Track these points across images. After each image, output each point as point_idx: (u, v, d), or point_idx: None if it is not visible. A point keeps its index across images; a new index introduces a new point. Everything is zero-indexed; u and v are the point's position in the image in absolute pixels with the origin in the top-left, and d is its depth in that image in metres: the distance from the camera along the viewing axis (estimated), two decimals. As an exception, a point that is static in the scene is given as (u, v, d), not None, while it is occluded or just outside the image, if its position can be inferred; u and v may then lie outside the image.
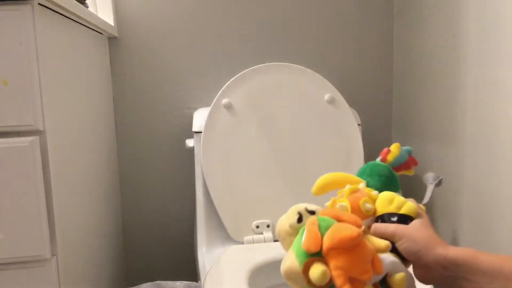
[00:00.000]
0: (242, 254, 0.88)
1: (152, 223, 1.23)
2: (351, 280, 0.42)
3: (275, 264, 0.86)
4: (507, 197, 0.80)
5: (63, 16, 0.78)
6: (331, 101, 1.03)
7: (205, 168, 0.98)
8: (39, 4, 0.65)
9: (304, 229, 0.46)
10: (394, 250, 0.48)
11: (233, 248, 0.92)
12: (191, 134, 1.11)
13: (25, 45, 0.63)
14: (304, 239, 0.45)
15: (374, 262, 0.44)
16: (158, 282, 1.12)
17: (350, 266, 0.42)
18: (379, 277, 0.45)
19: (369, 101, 1.25)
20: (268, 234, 0.97)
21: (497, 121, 0.81)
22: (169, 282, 1.11)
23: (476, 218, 0.89)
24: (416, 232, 0.48)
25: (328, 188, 0.58)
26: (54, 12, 0.73)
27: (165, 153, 1.21)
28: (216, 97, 1.00)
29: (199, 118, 1.06)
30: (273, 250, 0.89)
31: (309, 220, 0.47)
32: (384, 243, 0.47)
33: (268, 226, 0.98)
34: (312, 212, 0.50)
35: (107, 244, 1.05)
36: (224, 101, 0.99)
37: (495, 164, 0.82)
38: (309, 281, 0.43)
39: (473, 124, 0.89)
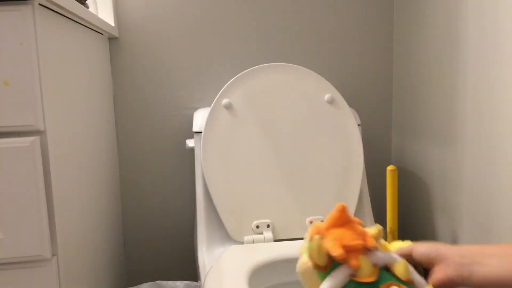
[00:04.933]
0: (242, 254, 0.89)
1: (152, 223, 1.23)
2: (345, 250, 0.45)
3: (275, 264, 0.86)
4: (506, 197, 0.80)
5: (63, 17, 0.78)
6: (331, 101, 1.03)
7: (205, 168, 0.98)
8: (39, 4, 0.65)
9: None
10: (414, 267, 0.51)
11: (233, 248, 0.92)
12: (191, 134, 1.11)
13: (25, 45, 0.63)
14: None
15: (366, 236, 0.48)
16: (158, 282, 1.12)
17: (342, 236, 0.46)
18: (377, 258, 0.48)
19: (369, 101, 1.26)
20: (268, 234, 0.97)
21: (496, 121, 0.81)
22: (169, 282, 1.12)
23: (476, 218, 0.89)
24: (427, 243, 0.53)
25: None
26: (54, 13, 0.73)
27: (165, 153, 1.21)
28: (216, 97, 1.00)
29: (199, 119, 1.06)
30: (273, 250, 0.89)
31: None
32: (375, 227, 0.50)
33: (268, 226, 0.99)
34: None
35: (107, 244, 1.05)
36: (224, 101, 0.99)
37: (495, 164, 0.82)
38: (314, 264, 0.47)
39: (472, 124, 0.89)
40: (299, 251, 0.52)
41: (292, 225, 1.00)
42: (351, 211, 1.01)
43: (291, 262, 0.87)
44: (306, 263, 0.48)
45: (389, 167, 1.02)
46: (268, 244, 0.95)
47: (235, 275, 0.80)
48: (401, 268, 0.48)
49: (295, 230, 1.00)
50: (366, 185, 1.08)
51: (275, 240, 0.98)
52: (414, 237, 1.12)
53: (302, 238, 1.00)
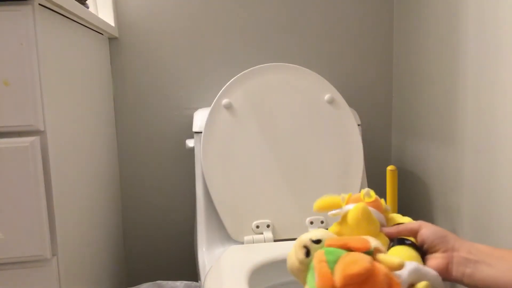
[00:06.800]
0: (242, 254, 0.89)
1: (152, 223, 1.24)
2: None
3: (275, 264, 0.86)
4: (506, 197, 0.80)
5: (63, 17, 0.78)
6: (331, 101, 1.03)
7: (205, 168, 0.98)
8: (39, 4, 0.65)
9: (313, 266, 0.46)
10: (416, 248, 0.50)
11: (233, 248, 0.92)
12: (191, 134, 1.11)
13: (25, 45, 0.63)
14: (316, 280, 0.44)
15: (392, 285, 0.44)
16: (158, 282, 1.12)
17: None
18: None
19: (369, 101, 1.26)
20: (268, 234, 0.97)
21: (497, 121, 0.81)
22: (169, 282, 1.12)
23: (476, 218, 0.89)
24: (437, 227, 0.53)
25: (324, 210, 0.60)
26: (54, 13, 0.73)
27: (165, 153, 1.21)
28: (216, 97, 1.00)
29: (199, 119, 1.06)
30: (273, 250, 0.89)
31: (316, 257, 0.46)
32: (396, 261, 0.45)
33: (268, 226, 0.98)
34: (317, 241, 0.49)
35: (107, 244, 1.05)
36: (224, 101, 0.99)
37: (495, 164, 0.82)
38: None
39: (473, 124, 0.89)
40: (293, 267, 0.48)
41: (292, 225, 1.00)
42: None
43: (291, 262, 0.87)
44: None
45: (389, 167, 1.02)
46: (268, 244, 0.95)
47: (235, 275, 0.80)
48: None
49: (295, 230, 1.00)
50: (366, 185, 1.08)
51: (275, 240, 0.98)
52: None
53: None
